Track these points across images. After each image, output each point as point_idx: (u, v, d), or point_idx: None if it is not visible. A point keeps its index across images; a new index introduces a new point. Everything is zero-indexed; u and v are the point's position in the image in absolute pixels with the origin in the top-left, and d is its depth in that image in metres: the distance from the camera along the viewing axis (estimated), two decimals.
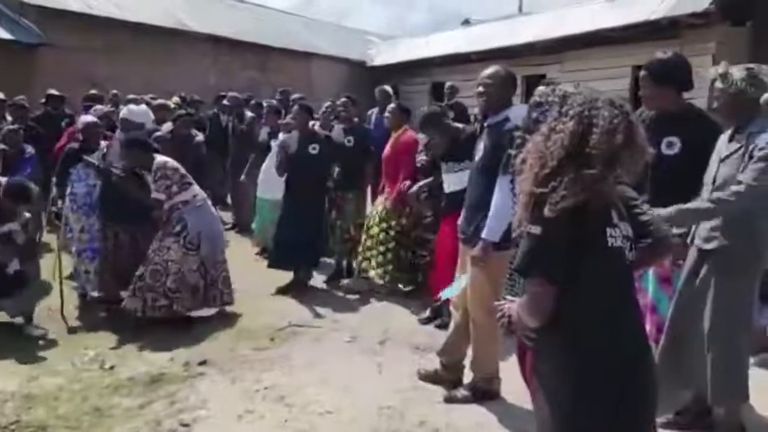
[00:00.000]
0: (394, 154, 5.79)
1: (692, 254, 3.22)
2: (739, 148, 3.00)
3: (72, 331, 5.03)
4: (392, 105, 6.22)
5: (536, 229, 1.82)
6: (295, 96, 8.90)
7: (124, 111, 5.70)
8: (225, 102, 9.12)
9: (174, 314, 5.05)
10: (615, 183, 1.89)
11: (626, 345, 1.90)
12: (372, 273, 5.84)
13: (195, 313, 5.22)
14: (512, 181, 3.43)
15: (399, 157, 5.70)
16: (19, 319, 4.92)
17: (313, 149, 5.87)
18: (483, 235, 3.46)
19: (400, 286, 5.89)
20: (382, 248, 5.70)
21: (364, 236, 5.86)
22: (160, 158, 5.08)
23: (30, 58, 11.36)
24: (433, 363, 4.05)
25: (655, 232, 2.18)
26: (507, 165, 3.40)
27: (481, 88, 3.61)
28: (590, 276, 1.84)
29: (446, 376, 3.93)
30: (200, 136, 6.68)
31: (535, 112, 2.06)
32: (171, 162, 5.11)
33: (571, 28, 12.02)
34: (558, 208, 1.76)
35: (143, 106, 6.09)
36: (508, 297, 2.18)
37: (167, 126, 6.87)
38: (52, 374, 4.13)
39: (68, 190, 5.66)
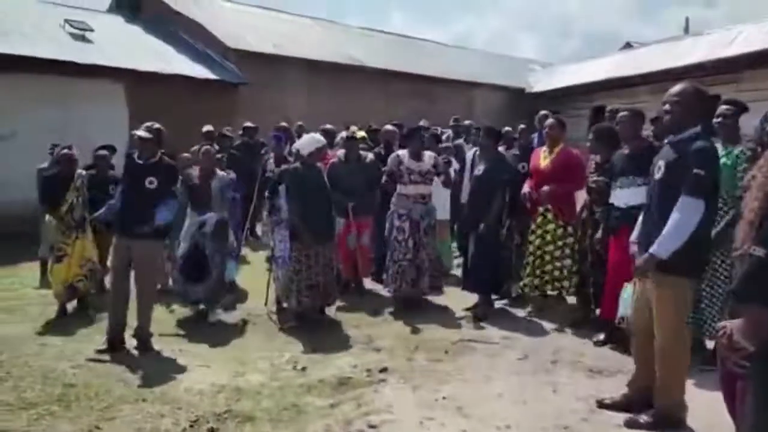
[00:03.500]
0: (553, 169, 5.54)
1: None
2: None
3: (278, 330, 5.45)
4: (551, 120, 5.86)
5: (760, 251, 1.62)
6: (467, 122, 8.89)
7: (297, 144, 6.04)
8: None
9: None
10: None
11: None
12: (547, 289, 5.77)
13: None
14: (707, 205, 3.21)
15: (560, 172, 5.47)
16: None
17: (478, 171, 5.76)
18: (652, 249, 3.27)
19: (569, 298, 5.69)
20: (558, 264, 5.53)
21: (532, 257, 5.70)
22: None
23: (231, 94, 12.47)
24: (618, 390, 3.82)
25: None
26: (694, 186, 3.21)
27: (667, 106, 3.42)
28: None
29: (634, 401, 3.66)
30: (371, 155, 6.88)
31: None
32: None
33: (746, 46, 11.00)
34: None
35: (313, 135, 6.44)
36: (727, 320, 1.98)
37: (341, 151, 7.12)
38: (255, 371, 4.44)
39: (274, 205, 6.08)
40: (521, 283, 5.88)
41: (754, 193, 1.72)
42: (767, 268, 1.62)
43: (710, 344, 4.19)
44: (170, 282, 6.54)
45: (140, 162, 4.93)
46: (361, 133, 7.46)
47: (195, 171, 5.99)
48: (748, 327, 1.71)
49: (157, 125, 5.00)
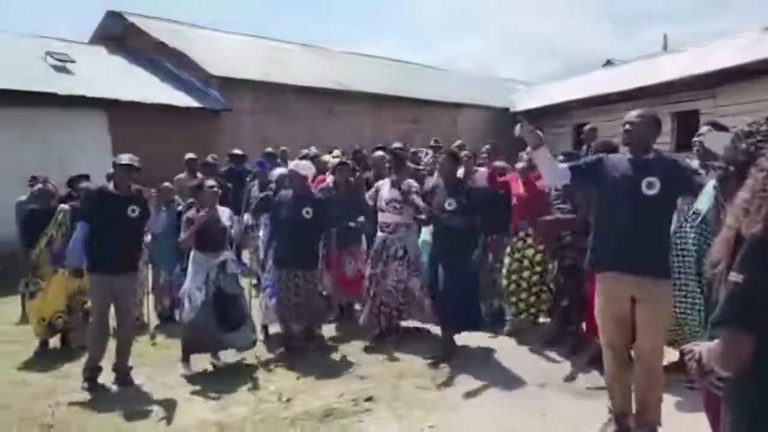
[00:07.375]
0: (532, 195, 5.50)
1: None
2: None
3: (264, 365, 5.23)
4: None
5: (737, 277, 1.58)
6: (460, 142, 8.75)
7: (291, 165, 6.02)
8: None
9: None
10: None
11: None
12: (523, 315, 5.73)
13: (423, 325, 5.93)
14: None
15: (537, 197, 5.43)
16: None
17: (449, 205, 5.19)
18: None
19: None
20: (535, 289, 5.50)
21: (509, 281, 5.66)
22: None
23: (214, 122, 12.43)
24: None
25: None
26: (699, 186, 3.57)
27: (628, 126, 3.47)
28: None
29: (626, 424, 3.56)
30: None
31: (744, 142, 1.81)
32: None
33: (723, 62, 11.12)
34: None
35: (306, 162, 6.39)
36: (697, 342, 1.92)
37: (330, 177, 7.07)
38: (239, 404, 4.34)
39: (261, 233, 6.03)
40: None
41: (738, 212, 1.68)
42: (744, 292, 1.58)
43: None
44: (147, 316, 6.40)
45: (117, 193, 4.81)
46: (328, 157, 7.43)
47: (192, 212, 5.26)
48: (722, 350, 1.65)
49: (135, 157, 4.92)
